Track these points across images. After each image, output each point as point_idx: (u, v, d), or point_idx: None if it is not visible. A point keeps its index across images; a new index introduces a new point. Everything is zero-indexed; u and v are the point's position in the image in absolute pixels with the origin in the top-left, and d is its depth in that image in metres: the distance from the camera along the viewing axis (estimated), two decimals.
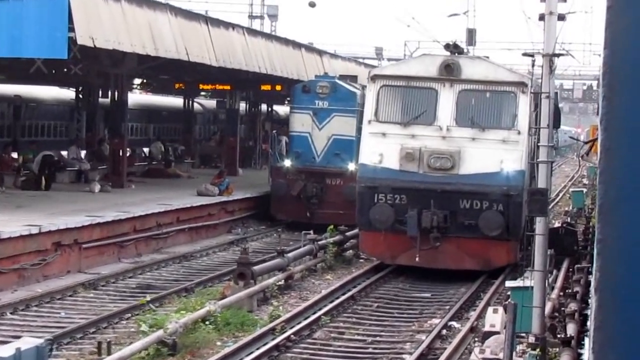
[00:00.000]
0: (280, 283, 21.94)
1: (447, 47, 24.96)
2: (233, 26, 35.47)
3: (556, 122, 21.61)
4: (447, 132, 23.56)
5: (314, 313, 19.07)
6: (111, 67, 31.89)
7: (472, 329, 17.83)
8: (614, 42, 3.09)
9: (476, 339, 17.03)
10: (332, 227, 27.12)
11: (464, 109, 23.75)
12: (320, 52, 46.54)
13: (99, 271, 23.37)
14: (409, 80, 24.00)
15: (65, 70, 32.21)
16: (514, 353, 12.55)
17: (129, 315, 18.65)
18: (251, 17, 59.09)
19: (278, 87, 42.34)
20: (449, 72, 23.75)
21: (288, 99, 41.33)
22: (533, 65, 17.28)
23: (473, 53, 34.70)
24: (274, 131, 38.73)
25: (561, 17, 14.95)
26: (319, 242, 25.40)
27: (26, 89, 42.00)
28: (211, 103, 56.85)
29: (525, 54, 17.30)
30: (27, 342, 12.20)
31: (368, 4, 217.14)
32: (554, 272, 20.91)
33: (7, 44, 23.86)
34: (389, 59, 66.85)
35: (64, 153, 37.57)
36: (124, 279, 23.05)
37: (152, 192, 32.19)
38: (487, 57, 26.11)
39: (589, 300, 18.50)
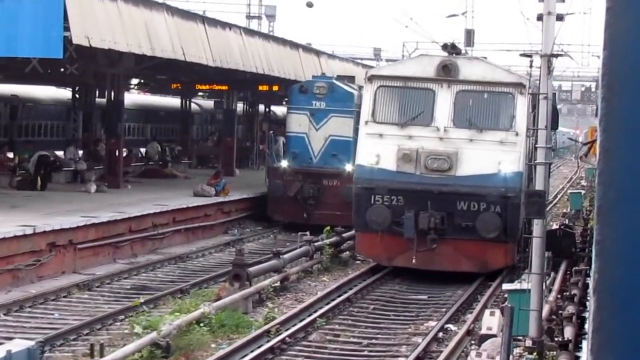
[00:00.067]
0: (276, 284, 21.81)
1: (444, 47, 24.85)
2: (230, 26, 35.36)
3: (554, 124, 21.49)
4: (445, 133, 23.44)
5: (309, 315, 18.94)
6: (108, 66, 31.77)
7: (468, 332, 17.71)
8: (614, 43, 3.06)
9: (473, 342, 16.93)
10: (328, 228, 27.00)
11: (462, 110, 23.62)
12: (318, 53, 46.44)
13: (93, 272, 23.23)
14: (406, 81, 23.88)
15: (61, 69, 32.08)
16: (511, 356, 12.42)
17: (123, 316, 18.50)
18: (249, 17, 59.07)
19: (275, 88, 42.28)
20: (446, 72, 23.63)
21: (286, 99, 41.21)
22: (531, 66, 17.18)
23: (471, 54, 34.58)
24: (271, 131, 38.62)
25: (559, 18, 14.85)
26: (316, 244, 25.29)
27: (23, 88, 41.86)
28: (209, 103, 56.75)
29: (523, 55, 17.22)
30: (18, 345, 12.06)
31: (366, 5, 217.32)
32: (552, 274, 20.80)
33: (2, 43, 23.72)
34: (387, 60, 66.72)
35: (60, 153, 37.45)
36: (119, 279, 22.91)
37: (148, 192, 32.08)
38: (485, 58, 25.99)
39: (587, 303, 18.39)
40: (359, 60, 59.56)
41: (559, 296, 18.83)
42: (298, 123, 33.01)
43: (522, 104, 23.41)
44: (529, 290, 14.57)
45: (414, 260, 23.20)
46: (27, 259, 21.60)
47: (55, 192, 30.71)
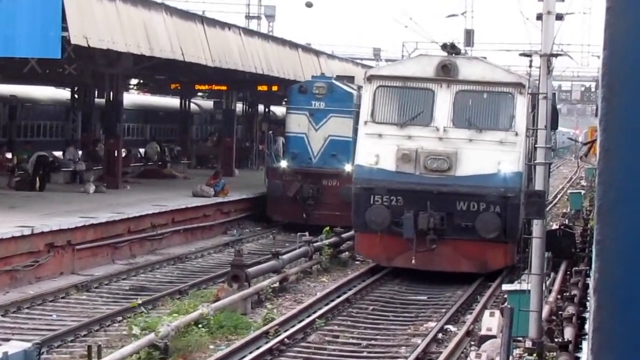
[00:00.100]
0: (275, 285, 21.74)
1: (444, 47, 24.78)
2: (229, 26, 35.29)
3: (554, 124, 21.43)
4: (444, 133, 23.37)
5: (308, 316, 18.87)
6: (106, 67, 31.69)
7: (468, 333, 17.63)
8: (614, 43, 3.07)
9: (472, 343, 16.86)
10: (327, 228, 26.94)
11: (461, 109, 23.55)
12: (317, 53, 46.38)
13: (92, 273, 23.16)
14: (405, 81, 23.80)
15: (59, 70, 32.00)
16: (510, 357, 12.35)
17: (122, 318, 18.42)
18: (248, 17, 58.96)
19: (274, 88, 42.22)
20: (445, 72, 23.56)
21: (285, 99, 41.15)
22: (530, 66, 17.11)
23: (471, 54, 34.52)
24: (270, 132, 38.55)
25: (559, 17, 14.79)
26: (315, 244, 25.22)
27: (22, 89, 41.81)
28: (208, 104, 56.69)
29: (522, 54, 17.13)
30: (15, 347, 11.98)
31: (366, 5, 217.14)
32: (552, 274, 20.73)
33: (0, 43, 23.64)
34: (386, 60, 66.63)
35: (59, 154, 37.37)
36: (117, 280, 22.84)
37: (147, 192, 32.01)
38: (485, 58, 25.92)
39: (587, 304, 18.32)
40: (358, 61, 59.49)
41: (558, 297, 18.77)
42: (297, 123, 32.95)
43: (521, 104, 23.34)
44: (529, 290, 14.51)
45: (413, 261, 23.13)
46: (25, 259, 21.53)
47: (53, 192, 30.64)
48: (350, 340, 17.67)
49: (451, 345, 16.56)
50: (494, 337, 14.95)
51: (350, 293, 21.62)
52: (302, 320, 18.48)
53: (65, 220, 23.66)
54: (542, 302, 14.85)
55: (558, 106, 54.54)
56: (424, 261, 23.22)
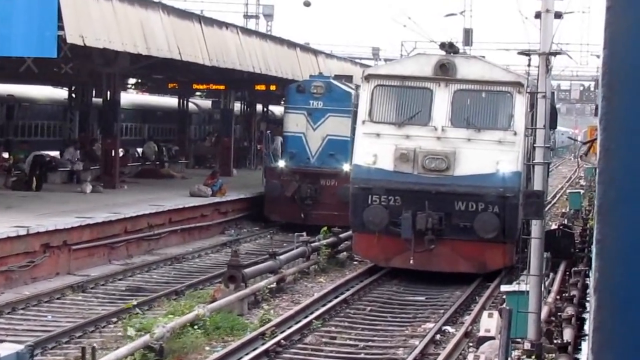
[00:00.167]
0: (272, 286, 21.60)
1: (442, 46, 24.65)
2: (227, 25, 35.17)
3: (553, 123, 21.30)
4: (442, 133, 23.24)
5: (305, 317, 18.74)
6: (103, 66, 31.57)
7: (466, 334, 17.51)
8: (614, 43, 3.08)
9: (471, 345, 16.75)
10: (325, 228, 26.82)
11: (460, 109, 23.42)
12: (316, 52, 46.27)
13: (88, 273, 23.03)
14: (403, 80, 23.68)
15: (56, 69, 31.87)
16: (509, 359, 12.23)
17: (117, 319, 18.28)
18: (246, 16, 58.87)
19: (272, 87, 42.10)
20: (444, 71, 23.43)
21: (283, 99, 41.05)
22: (529, 65, 16.99)
23: (470, 53, 34.42)
24: (268, 131, 38.44)
25: (558, 15, 14.68)
26: (312, 244, 25.09)
27: (19, 88, 41.71)
28: (206, 103, 56.60)
29: (521, 53, 17.00)
30: (7, 348, 11.82)
31: (364, 4, 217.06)
32: (551, 275, 20.61)
33: None
34: (385, 59, 66.56)
35: (56, 153, 37.24)
36: (113, 281, 22.70)
37: (144, 192, 31.89)
38: (483, 57, 25.80)
39: (586, 304, 18.21)
40: (357, 60, 59.38)
41: (557, 297, 18.65)
42: (295, 123, 32.84)
43: (520, 103, 23.21)
44: (528, 291, 14.39)
45: (411, 261, 23.00)
46: (21, 260, 21.40)
47: (50, 192, 30.52)
48: (348, 342, 17.54)
49: (449, 346, 16.44)
50: (492, 338, 14.83)
51: (347, 294, 21.49)
52: (299, 321, 18.34)
53: (62, 220, 23.54)
54: (541, 303, 14.73)
55: (557, 105, 54.48)
56: (422, 261, 23.10)
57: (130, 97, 51.39)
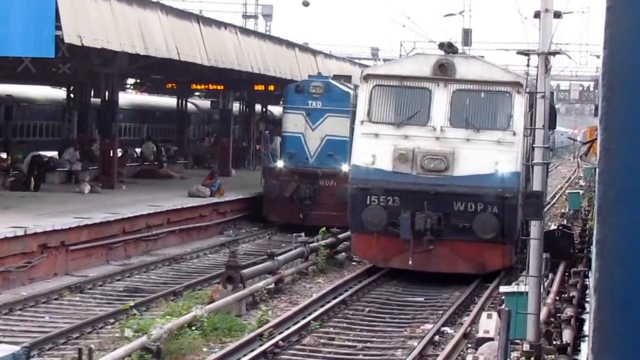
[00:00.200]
0: (270, 287, 21.52)
1: (441, 46, 24.60)
2: (225, 25, 35.11)
3: (552, 123, 21.25)
4: (441, 133, 23.18)
5: (303, 318, 18.67)
6: (101, 66, 31.51)
7: (465, 335, 17.45)
8: (614, 43, 3.09)
9: (469, 346, 16.69)
10: (324, 229, 26.75)
11: (458, 109, 23.36)
12: (314, 52, 46.21)
13: (86, 274, 22.96)
14: (402, 80, 23.61)
15: (54, 69, 31.81)
16: None
17: (115, 320, 18.21)
18: (245, 16, 58.80)
19: (271, 87, 42.04)
20: (443, 71, 23.37)
21: (282, 99, 40.99)
22: (528, 65, 16.93)
23: (469, 53, 34.36)
24: (267, 131, 38.38)
25: (557, 15, 14.62)
26: (311, 245, 25.03)
27: (18, 88, 41.61)
28: (205, 103, 56.52)
29: (520, 53, 16.94)
30: (3, 350, 11.75)
31: (363, 4, 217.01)
32: (550, 275, 20.55)
33: None
34: (384, 60, 66.51)
35: (54, 154, 37.16)
36: (111, 281, 22.64)
37: (143, 193, 31.82)
38: (482, 57, 25.74)
39: (586, 305, 18.16)
40: (356, 60, 59.32)
41: (557, 298, 18.59)
42: (294, 123, 32.77)
43: (519, 103, 23.15)
44: (527, 292, 14.33)
45: (410, 262, 22.94)
46: (18, 260, 21.34)
47: (48, 192, 30.46)
48: (346, 343, 17.47)
49: (448, 347, 16.37)
50: (491, 339, 14.76)
51: (346, 294, 21.42)
52: (298, 322, 18.28)
53: (59, 220, 23.47)
54: (540, 304, 14.67)
55: (556, 106, 54.42)
56: (421, 262, 23.04)
57: (128, 97, 51.30)
